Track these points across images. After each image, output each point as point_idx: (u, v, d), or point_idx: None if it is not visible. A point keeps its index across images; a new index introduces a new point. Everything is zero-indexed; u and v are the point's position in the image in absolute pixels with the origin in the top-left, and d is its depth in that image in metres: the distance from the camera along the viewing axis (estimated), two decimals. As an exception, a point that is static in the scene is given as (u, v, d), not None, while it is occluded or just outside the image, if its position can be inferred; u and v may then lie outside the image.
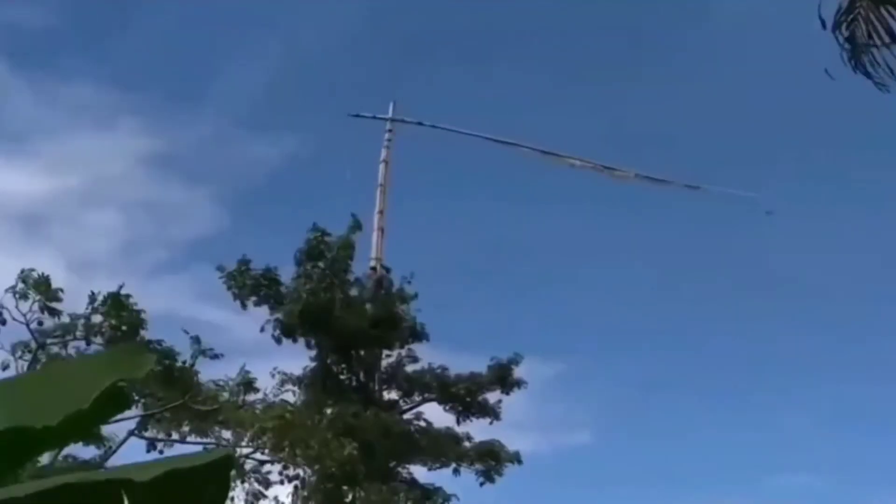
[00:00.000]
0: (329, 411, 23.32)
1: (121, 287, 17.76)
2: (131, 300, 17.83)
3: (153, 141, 41.71)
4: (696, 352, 40.01)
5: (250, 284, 24.28)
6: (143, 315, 17.84)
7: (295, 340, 24.73)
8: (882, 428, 36.41)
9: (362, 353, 25.47)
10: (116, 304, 17.52)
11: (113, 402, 1.84)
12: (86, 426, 1.91)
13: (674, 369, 39.61)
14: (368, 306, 25.31)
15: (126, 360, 1.89)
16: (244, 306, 24.44)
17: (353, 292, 25.46)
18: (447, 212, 37.55)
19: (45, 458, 18.64)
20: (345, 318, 24.26)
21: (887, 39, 9.66)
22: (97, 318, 17.85)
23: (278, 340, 24.43)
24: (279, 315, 24.31)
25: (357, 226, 25.38)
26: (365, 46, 41.99)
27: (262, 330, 24.41)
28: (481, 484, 25.31)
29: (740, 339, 39.69)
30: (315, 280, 24.37)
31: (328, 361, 25.16)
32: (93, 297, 17.83)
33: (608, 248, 39.67)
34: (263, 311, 24.73)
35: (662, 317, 39.91)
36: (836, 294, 40.39)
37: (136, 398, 18.79)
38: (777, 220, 30.83)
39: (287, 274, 25.09)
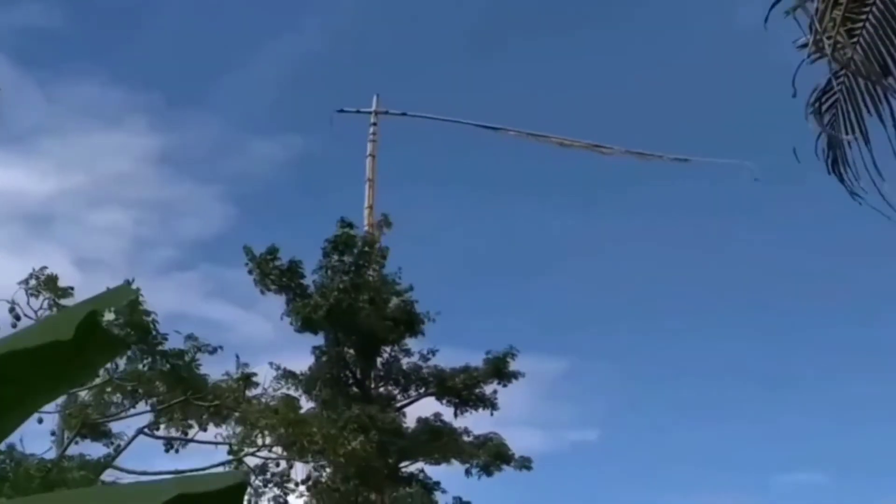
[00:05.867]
0: (344, 411, 23.04)
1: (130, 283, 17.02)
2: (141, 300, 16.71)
3: (160, 140, 42.61)
4: (703, 347, 39.36)
5: (275, 273, 24.15)
6: (153, 316, 17.06)
7: (315, 333, 24.70)
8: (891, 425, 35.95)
9: (386, 350, 25.37)
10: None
11: (95, 338, 1.76)
12: (71, 362, 1.77)
13: (680, 365, 39.33)
14: (391, 305, 25.06)
15: (108, 296, 1.83)
16: (263, 293, 24.43)
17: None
18: (440, 205, 37.24)
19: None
20: (371, 317, 24.15)
21: (858, 135, 8.19)
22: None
23: (299, 331, 24.46)
24: (301, 307, 24.12)
25: (387, 223, 25.74)
26: (359, 44, 41.84)
27: (282, 318, 24.45)
28: (479, 478, 25.13)
29: (747, 334, 39.24)
30: (342, 275, 24.29)
31: (344, 358, 25.01)
32: None
33: (606, 240, 39.13)
34: (279, 302, 24.67)
35: (668, 311, 39.59)
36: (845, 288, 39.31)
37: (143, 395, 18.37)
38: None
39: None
